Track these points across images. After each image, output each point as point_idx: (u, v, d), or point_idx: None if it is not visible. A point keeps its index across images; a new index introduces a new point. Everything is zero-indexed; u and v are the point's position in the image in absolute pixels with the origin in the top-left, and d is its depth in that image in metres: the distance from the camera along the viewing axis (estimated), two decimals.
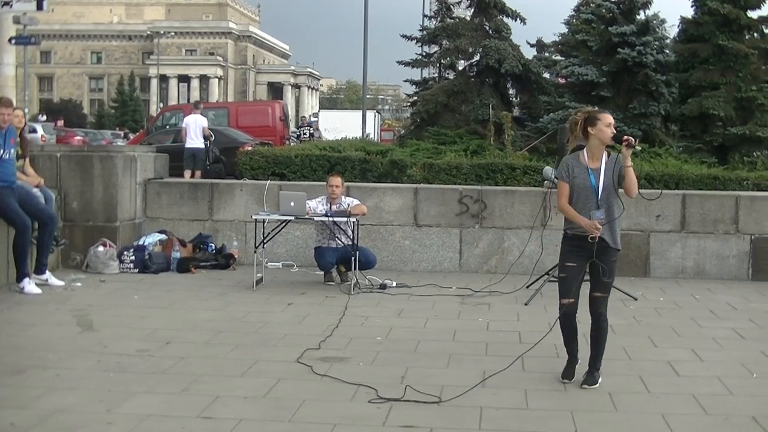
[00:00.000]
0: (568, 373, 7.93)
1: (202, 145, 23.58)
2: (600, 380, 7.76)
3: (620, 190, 7.82)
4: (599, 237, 7.66)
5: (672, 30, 29.29)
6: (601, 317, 7.85)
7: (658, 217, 14.27)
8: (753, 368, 8.58)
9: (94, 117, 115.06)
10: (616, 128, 7.87)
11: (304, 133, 29.94)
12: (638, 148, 7.74)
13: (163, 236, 14.39)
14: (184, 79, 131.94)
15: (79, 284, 12.57)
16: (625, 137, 7.64)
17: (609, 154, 7.84)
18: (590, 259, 7.77)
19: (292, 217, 12.72)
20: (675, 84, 26.72)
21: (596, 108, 8.24)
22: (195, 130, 23.54)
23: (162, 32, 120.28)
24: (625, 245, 14.33)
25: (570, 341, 8.03)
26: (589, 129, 7.72)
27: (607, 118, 7.73)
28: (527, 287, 12.57)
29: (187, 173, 22.35)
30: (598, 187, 7.70)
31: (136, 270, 13.70)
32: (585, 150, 7.84)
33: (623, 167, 7.63)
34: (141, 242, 14.13)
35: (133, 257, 13.77)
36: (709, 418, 6.99)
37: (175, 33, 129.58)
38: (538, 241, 13.60)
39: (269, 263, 13.91)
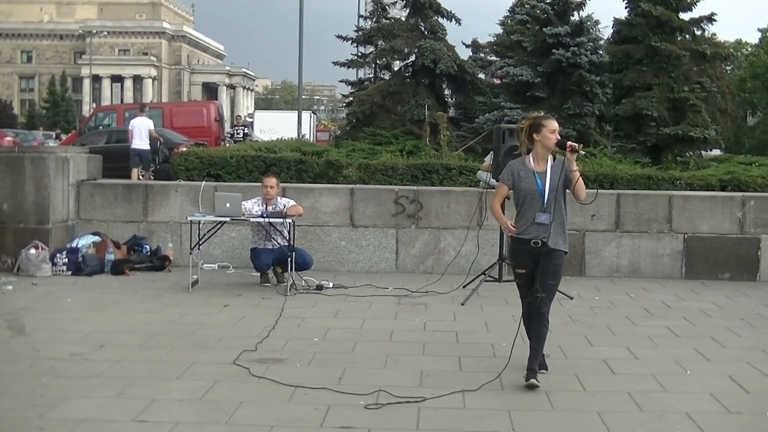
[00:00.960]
0: (542, 364, 8.06)
1: (148, 147, 23.88)
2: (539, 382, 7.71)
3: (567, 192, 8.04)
4: (542, 241, 7.83)
5: (606, 31, 29.76)
6: (543, 317, 7.89)
7: (593, 216, 14.40)
8: (687, 365, 8.70)
9: (25, 117, 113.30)
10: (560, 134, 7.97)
11: (238, 133, 29.42)
12: (582, 152, 7.85)
13: (96, 238, 14.23)
14: (117, 79, 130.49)
15: (10, 287, 12.36)
16: (569, 143, 7.73)
17: (554, 158, 7.94)
18: (536, 262, 7.88)
19: (228, 218, 12.64)
20: (609, 84, 27.10)
21: (542, 114, 8.28)
22: (141, 132, 23.87)
23: (94, 31, 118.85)
24: None
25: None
26: (534, 135, 7.83)
27: (552, 125, 7.83)
28: (464, 287, 12.61)
29: (134, 172, 22.66)
30: (544, 191, 7.81)
31: (70, 272, 13.54)
32: (531, 154, 7.93)
33: (570, 171, 7.80)
34: (74, 244, 13.96)
35: (66, 259, 13.61)
36: (644, 415, 7.07)
37: (108, 32, 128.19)
38: (474, 241, 13.65)
39: (205, 265, 13.81)
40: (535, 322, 7.92)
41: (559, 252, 7.96)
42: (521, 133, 7.98)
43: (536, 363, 7.81)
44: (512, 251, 8.29)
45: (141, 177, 22.49)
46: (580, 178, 7.87)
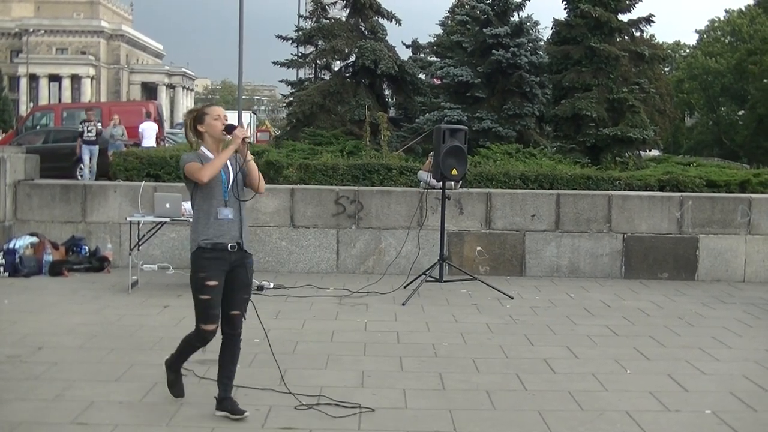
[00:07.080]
0: (181, 390, 7.36)
1: (155, 145, 27.23)
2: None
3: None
4: (237, 244, 6.93)
5: (545, 32, 29.87)
6: (238, 338, 7.11)
7: (533, 216, 14.49)
8: (626, 364, 8.78)
9: None
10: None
11: (89, 130, 26.62)
12: (250, 140, 6.90)
13: (34, 239, 14.07)
14: (54, 78, 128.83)
15: None
16: (239, 129, 6.88)
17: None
18: (228, 271, 6.96)
19: (168, 219, 12.55)
20: (548, 85, 27.20)
21: (206, 105, 7.21)
22: (149, 134, 28.22)
23: (31, 30, 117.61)
24: (500, 244, 14.59)
25: (185, 360, 7.34)
26: (199, 127, 6.93)
27: (215, 111, 6.95)
28: (404, 287, 12.64)
29: None
30: (228, 182, 6.89)
31: (7, 274, 13.39)
32: (203, 149, 6.95)
33: (244, 162, 6.90)
34: (11, 245, 13.78)
35: (3, 261, 13.45)
36: (585, 414, 7.11)
37: (45, 31, 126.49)
38: (414, 241, 13.69)
39: (144, 265, 13.71)
40: (229, 346, 7.06)
41: (250, 257, 7.07)
42: (187, 130, 7.07)
43: (230, 388, 7.04)
44: (201, 259, 7.01)
45: None
46: (256, 168, 6.95)
